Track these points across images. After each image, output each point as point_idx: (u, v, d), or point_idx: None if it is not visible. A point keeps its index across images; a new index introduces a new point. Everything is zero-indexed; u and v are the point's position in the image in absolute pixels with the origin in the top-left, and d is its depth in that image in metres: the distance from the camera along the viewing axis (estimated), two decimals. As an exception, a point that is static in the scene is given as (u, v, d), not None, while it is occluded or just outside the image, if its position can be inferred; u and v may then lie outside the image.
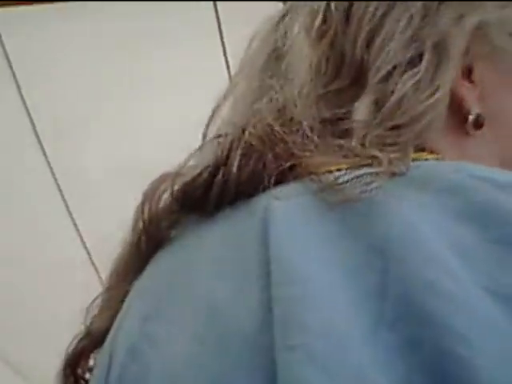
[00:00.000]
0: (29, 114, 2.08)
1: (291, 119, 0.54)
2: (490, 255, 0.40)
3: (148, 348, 0.52)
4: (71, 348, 0.60)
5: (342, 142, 0.53)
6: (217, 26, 2.02)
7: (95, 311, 0.60)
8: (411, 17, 0.56)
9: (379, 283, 0.41)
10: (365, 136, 0.52)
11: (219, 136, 0.57)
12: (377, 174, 0.46)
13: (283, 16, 0.63)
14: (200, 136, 0.60)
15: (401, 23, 0.56)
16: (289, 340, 0.42)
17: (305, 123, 0.53)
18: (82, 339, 0.60)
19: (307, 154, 0.52)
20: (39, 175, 2.01)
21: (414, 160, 0.50)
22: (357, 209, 0.45)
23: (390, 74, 0.55)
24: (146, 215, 0.58)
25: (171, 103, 1.99)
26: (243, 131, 0.55)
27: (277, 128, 0.53)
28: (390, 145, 0.51)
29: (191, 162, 0.57)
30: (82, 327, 0.60)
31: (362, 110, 0.55)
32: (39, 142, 2.05)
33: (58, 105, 2.06)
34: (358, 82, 0.56)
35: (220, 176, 0.53)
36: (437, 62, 0.55)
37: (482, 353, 0.38)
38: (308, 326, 0.42)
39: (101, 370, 0.55)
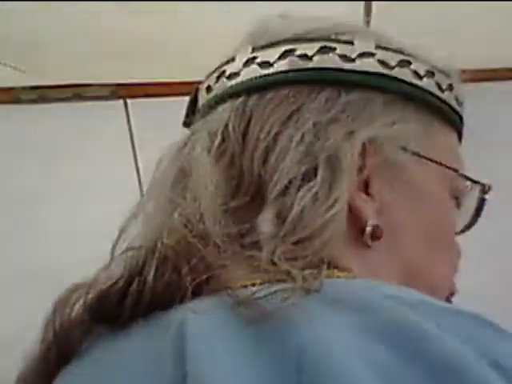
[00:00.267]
0: None
1: (201, 233, 0.55)
2: (406, 373, 0.40)
3: None
4: None
5: (252, 253, 0.53)
6: (129, 136, 2.03)
7: None
8: (303, 134, 0.59)
9: None
10: (274, 250, 0.53)
11: (132, 248, 0.57)
12: (292, 290, 0.47)
13: (186, 140, 0.65)
14: (110, 243, 0.60)
15: (294, 140, 0.59)
16: None
17: (215, 236, 0.54)
18: None
19: (222, 266, 0.52)
20: None
21: (326, 277, 0.51)
22: (271, 325, 0.45)
23: (286, 188, 0.57)
24: (57, 325, 0.56)
25: (82, 209, 1.96)
26: (156, 243, 0.55)
27: (191, 240, 0.53)
28: (297, 259, 0.52)
29: (105, 273, 0.56)
30: None
31: (265, 223, 0.56)
32: None
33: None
34: (257, 197, 0.58)
35: (135, 286, 0.53)
36: (331, 175, 0.57)
37: None
38: None
39: None
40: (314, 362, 0.41)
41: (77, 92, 2.04)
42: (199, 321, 0.48)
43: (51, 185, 2.02)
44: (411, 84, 0.64)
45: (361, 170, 0.60)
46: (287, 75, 0.63)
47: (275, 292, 0.47)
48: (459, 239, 0.70)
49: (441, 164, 0.65)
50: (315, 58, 0.63)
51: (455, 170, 0.67)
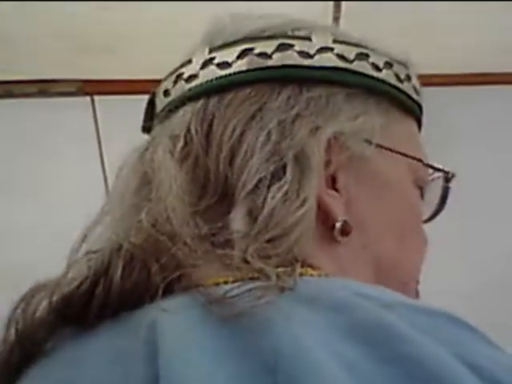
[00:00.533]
0: None
1: (170, 233, 0.54)
2: (381, 374, 0.40)
3: None
4: None
5: (225, 252, 0.53)
6: (95, 133, 2.01)
7: None
8: (269, 133, 0.59)
9: None
10: (246, 248, 0.52)
11: (95, 251, 0.56)
12: (266, 288, 0.46)
13: (147, 146, 0.65)
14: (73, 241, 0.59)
15: (259, 140, 0.59)
16: None
17: (184, 236, 0.53)
18: None
19: (193, 264, 0.52)
20: None
21: (300, 275, 0.51)
22: (246, 324, 0.44)
23: (256, 187, 0.57)
24: (20, 326, 0.54)
25: (46, 206, 1.94)
26: (121, 244, 0.54)
27: (160, 238, 0.53)
28: (270, 257, 0.52)
29: (69, 275, 0.55)
30: None
31: (238, 220, 0.56)
32: None
33: None
34: (226, 198, 0.58)
35: (101, 287, 0.52)
36: (300, 172, 0.57)
37: None
38: None
39: None
40: (290, 362, 0.41)
41: (42, 88, 2.01)
42: (171, 320, 0.48)
43: (15, 181, 2.00)
44: (371, 76, 0.64)
45: (327, 165, 0.61)
46: (247, 75, 0.63)
47: (249, 290, 0.47)
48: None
49: (405, 155, 0.66)
50: (274, 56, 0.63)
51: (419, 160, 0.68)
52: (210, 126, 0.61)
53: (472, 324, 0.46)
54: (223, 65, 0.63)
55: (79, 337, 0.53)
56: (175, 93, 0.66)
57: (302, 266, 0.54)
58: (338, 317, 0.44)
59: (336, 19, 1.64)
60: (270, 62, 0.62)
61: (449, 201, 0.71)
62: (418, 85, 0.70)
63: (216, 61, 0.64)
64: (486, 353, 0.44)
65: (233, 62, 0.63)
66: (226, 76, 0.63)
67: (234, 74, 0.63)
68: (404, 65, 0.68)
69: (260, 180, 0.57)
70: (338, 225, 0.60)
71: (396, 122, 0.67)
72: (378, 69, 0.65)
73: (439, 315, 0.46)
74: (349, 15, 1.66)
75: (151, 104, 0.70)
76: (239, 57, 0.63)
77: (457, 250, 1.71)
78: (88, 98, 2.04)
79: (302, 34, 0.65)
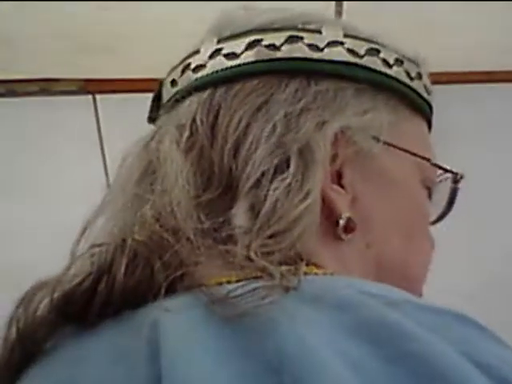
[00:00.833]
0: None
1: (173, 228, 0.53)
2: (387, 372, 0.39)
3: None
4: None
5: (227, 248, 0.52)
6: (96, 132, 2.01)
7: None
8: (274, 125, 0.58)
9: None
10: (249, 244, 0.52)
11: (98, 245, 0.55)
12: (271, 287, 0.46)
13: (153, 135, 0.64)
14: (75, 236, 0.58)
15: (264, 132, 0.58)
16: None
17: (188, 231, 0.53)
18: None
19: (196, 262, 0.51)
20: None
21: (304, 274, 0.50)
22: (250, 324, 0.43)
23: (259, 180, 0.56)
24: (21, 324, 0.54)
25: (48, 205, 1.94)
26: (125, 240, 0.53)
27: (165, 235, 0.52)
28: (273, 253, 0.51)
29: (71, 271, 0.55)
30: None
31: (240, 215, 0.55)
32: None
33: None
34: (230, 190, 0.57)
35: (103, 284, 0.51)
36: (304, 166, 0.57)
37: None
38: None
39: None
40: (295, 363, 0.40)
41: (44, 86, 2.01)
42: (173, 320, 0.47)
43: (15, 181, 1.99)
44: (381, 73, 0.64)
45: (333, 160, 0.60)
46: (255, 66, 0.62)
47: (253, 290, 0.46)
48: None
49: (412, 153, 0.65)
50: (283, 48, 0.62)
51: (427, 159, 0.67)
52: (216, 116, 0.60)
53: (480, 323, 0.46)
54: (231, 55, 0.63)
55: (80, 335, 0.52)
56: (182, 83, 0.65)
57: (307, 265, 0.53)
58: (343, 315, 0.44)
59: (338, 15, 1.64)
60: (278, 54, 0.62)
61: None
62: (429, 84, 0.69)
63: (224, 51, 0.63)
64: (495, 351, 0.43)
65: (241, 53, 0.62)
66: (233, 67, 0.62)
67: (242, 64, 0.62)
68: (415, 63, 0.67)
69: (263, 173, 0.57)
70: (341, 222, 0.59)
71: (405, 120, 0.66)
72: (388, 65, 0.64)
73: (446, 313, 0.46)
74: (350, 14, 1.66)
75: (158, 95, 0.69)
76: (247, 48, 0.62)
77: (457, 250, 1.70)
78: (90, 97, 2.04)
79: (312, 27, 0.64)
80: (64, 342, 0.54)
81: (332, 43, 0.63)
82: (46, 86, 2.01)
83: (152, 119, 0.69)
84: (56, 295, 0.53)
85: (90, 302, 0.51)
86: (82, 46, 1.80)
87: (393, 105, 0.65)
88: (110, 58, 1.86)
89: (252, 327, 0.44)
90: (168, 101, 0.67)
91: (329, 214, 0.59)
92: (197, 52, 0.65)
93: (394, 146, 0.64)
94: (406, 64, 0.66)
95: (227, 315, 0.45)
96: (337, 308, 0.44)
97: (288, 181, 0.56)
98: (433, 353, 0.40)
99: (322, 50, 0.62)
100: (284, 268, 0.49)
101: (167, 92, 0.68)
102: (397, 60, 0.65)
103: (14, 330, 0.54)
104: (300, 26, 0.64)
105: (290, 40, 0.62)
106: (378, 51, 0.64)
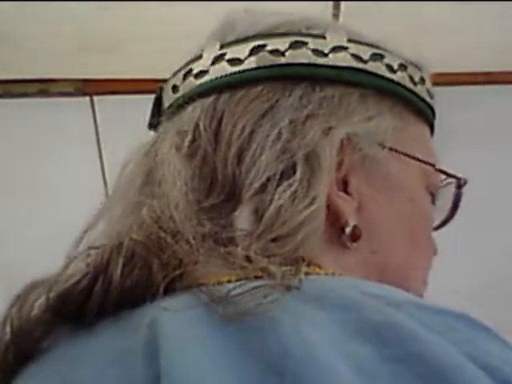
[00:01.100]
0: None
1: (172, 230, 0.53)
2: (391, 373, 0.39)
3: None
4: None
5: (227, 249, 0.52)
6: (94, 133, 2.01)
7: None
8: (280, 131, 0.58)
9: None
10: (250, 246, 0.51)
11: (95, 247, 0.55)
12: (272, 286, 0.45)
13: (154, 142, 0.63)
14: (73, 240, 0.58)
15: (270, 138, 0.57)
16: None
17: (187, 234, 0.53)
18: None
19: (195, 262, 0.51)
20: None
21: (306, 274, 0.50)
22: (251, 323, 0.43)
23: (264, 186, 0.56)
24: (15, 324, 0.53)
25: (46, 207, 1.94)
26: (122, 241, 0.52)
27: (163, 235, 0.52)
28: (274, 256, 0.51)
29: (68, 271, 0.54)
30: None
31: (243, 219, 0.55)
32: None
33: None
34: (233, 197, 0.57)
35: (99, 284, 0.50)
36: (310, 172, 0.56)
37: None
38: None
39: None
40: (298, 364, 0.40)
41: (42, 87, 2.01)
42: (172, 319, 0.47)
43: (14, 181, 1.99)
44: (385, 78, 0.63)
45: (339, 167, 0.59)
46: (259, 72, 0.61)
47: (254, 288, 0.46)
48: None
49: (417, 159, 0.65)
50: (287, 53, 0.61)
51: (432, 165, 0.66)
52: (220, 123, 0.60)
53: (484, 323, 0.45)
54: (235, 61, 0.62)
55: (77, 336, 0.52)
56: (184, 89, 0.65)
57: (308, 265, 0.53)
58: (346, 315, 0.43)
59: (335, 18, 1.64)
60: (282, 60, 0.61)
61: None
62: (431, 88, 0.69)
63: (227, 57, 0.63)
64: (499, 353, 0.43)
65: (245, 59, 0.62)
66: (237, 73, 0.62)
67: (246, 70, 0.62)
68: (418, 67, 0.67)
69: (268, 179, 0.56)
70: (347, 230, 0.58)
71: (409, 126, 0.66)
72: (392, 70, 0.64)
73: (448, 314, 0.45)
74: (348, 15, 1.66)
75: (159, 100, 0.69)
76: (251, 53, 0.62)
77: (458, 250, 1.70)
78: (87, 98, 2.04)
79: (316, 32, 0.63)
80: (60, 342, 0.53)
81: (336, 48, 0.62)
82: (44, 87, 2.01)
83: (153, 125, 0.68)
84: (52, 295, 0.52)
85: (87, 302, 0.51)
86: (82, 46, 1.79)
87: (397, 110, 0.64)
88: (110, 57, 1.86)
89: (253, 326, 0.43)
90: (169, 107, 0.66)
91: (334, 221, 0.59)
92: (199, 57, 0.65)
93: (399, 152, 0.63)
94: (410, 69, 0.66)
95: (228, 314, 0.44)
96: (339, 308, 0.44)
97: (294, 186, 0.55)
98: (437, 353, 0.40)
99: (326, 55, 0.62)
100: (285, 268, 0.49)
101: (168, 98, 0.67)
102: (401, 65, 0.65)
103: (8, 329, 0.54)
104: (304, 31, 0.63)
105: (295, 45, 0.62)
106: (382, 56, 0.64)
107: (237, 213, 0.56)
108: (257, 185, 0.56)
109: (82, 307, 0.51)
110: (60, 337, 0.54)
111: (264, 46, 0.62)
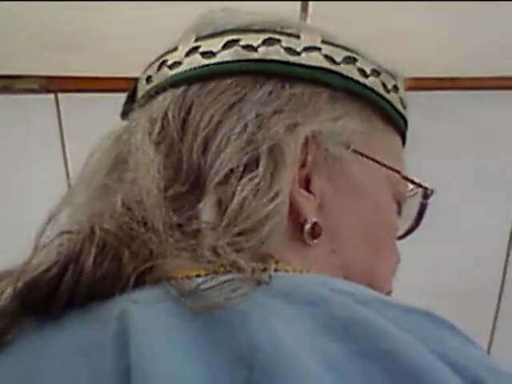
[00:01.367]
0: None
1: (143, 218, 0.53)
2: (359, 369, 0.39)
3: None
4: None
5: (195, 242, 0.52)
6: (59, 134, 1.99)
7: None
8: (246, 124, 0.58)
9: None
10: (217, 240, 0.51)
11: (67, 232, 0.54)
12: (242, 281, 0.45)
13: (125, 128, 0.64)
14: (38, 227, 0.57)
15: (235, 130, 0.58)
16: None
17: (156, 222, 0.52)
18: None
19: (164, 255, 0.51)
20: None
21: (275, 270, 0.50)
22: (221, 316, 0.43)
23: (228, 177, 0.56)
24: None
25: (5, 206, 1.92)
26: (93, 229, 0.52)
27: (134, 225, 0.52)
28: (243, 250, 0.51)
29: (37, 259, 0.54)
30: None
31: (207, 210, 0.55)
32: None
33: None
34: (198, 186, 0.57)
35: (70, 274, 0.50)
36: (273, 166, 0.57)
37: None
38: None
39: None
40: (267, 358, 0.40)
41: (6, 84, 1.98)
42: (142, 312, 0.46)
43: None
44: (357, 81, 0.64)
45: (302, 165, 0.60)
46: (231, 65, 0.62)
47: (224, 282, 0.46)
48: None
49: (383, 164, 0.65)
50: (260, 49, 0.62)
51: (397, 172, 0.67)
52: (188, 112, 0.60)
53: (450, 322, 0.46)
54: (208, 54, 0.63)
55: (43, 328, 0.51)
56: (158, 79, 0.65)
57: (277, 262, 0.53)
58: (315, 311, 0.43)
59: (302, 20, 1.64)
60: (255, 55, 0.62)
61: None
62: (405, 97, 0.69)
63: (201, 49, 0.63)
64: (466, 351, 0.43)
65: (217, 52, 0.63)
66: (209, 65, 0.62)
67: (218, 63, 0.62)
68: (392, 75, 0.68)
69: (232, 170, 0.57)
70: (307, 226, 0.59)
71: (378, 131, 0.66)
72: (364, 75, 0.64)
73: (415, 312, 0.46)
74: (316, 17, 1.67)
75: (133, 90, 0.69)
76: (224, 47, 0.63)
77: (421, 250, 1.73)
78: (52, 96, 2.02)
79: (290, 31, 0.64)
80: (26, 334, 0.52)
81: (309, 48, 0.63)
82: (8, 84, 1.98)
83: (125, 114, 0.69)
84: (19, 284, 0.52)
85: (55, 292, 0.50)
86: (48, 44, 1.77)
87: (366, 114, 0.65)
88: (77, 56, 1.85)
89: (223, 320, 0.43)
90: (142, 96, 0.67)
91: (295, 217, 0.59)
92: (174, 49, 0.65)
93: (364, 156, 0.64)
94: (383, 76, 0.66)
95: (197, 308, 0.44)
96: (308, 304, 0.44)
97: (257, 180, 0.56)
98: (406, 351, 0.40)
99: (298, 54, 0.62)
100: (254, 264, 0.49)
101: (142, 88, 0.68)
102: (374, 71, 0.65)
103: None
104: (279, 30, 0.64)
105: (268, 42, 0.62)
106: (355, 60, 0.64)
107: (201, 204, 0.56)
108: (220, 175, 0.57)
109: (50, 296, 0.50)
110: (25, 329, 0.53)
111: (238, 40, 0.63)
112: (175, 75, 0.63)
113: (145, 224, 0.52)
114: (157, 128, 0.60)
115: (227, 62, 0.62)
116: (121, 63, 1.66)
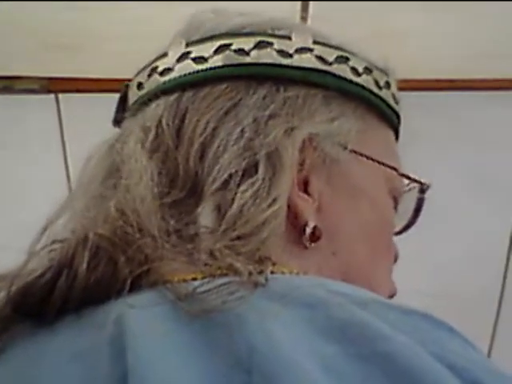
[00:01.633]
0: None
1: (138, 225, 0.53)
2: (357, 371, 0.39)
3: None
4: None
5: (192, 246, 0.52)
6: (59, 135, 1.99)
7: None
8: (243, 129, 0.58)
9: None
10: (214, 244, 0.51)
11: (59, 240, 0.54)
12: (239, 284, 0.45)
13: (118, 137, 0.63)
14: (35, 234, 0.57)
15: (233, 136, 0.58)
16: None
17: (152, 229, 0.52)
18: None
19: (160, 258, 0.50)
20: None
21: (271, 273, 0.50)
22: (218, 320, 0.43)
23: (226, 183, 0.56)
24: None
25: (8, 208, 1.91)
26: (87, 235, 0.51)
27: (129, 230, 0.51)
28: (239, 254, 0.51)
29: (31, 265, 0.53)
30: None
31: (205, 216, 0.55)
32: None
33: None
34: (195, 193, 0.57)
35: (64, 279, 0.49)
36: (272, 172, 0.56)
37: None
38: None
39: None
40: (265, 361, 0.39)
41: (7, 84, 1.98)
42: (139, 316, 0.46)
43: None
44: (350, 80, 0.64)
45: (300, 167, 0.60)
46: (223, 70, 0.62)
47: (220, 286, 0.46)
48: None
49: (380, 162, 0.65)
50: (252, 53, 0.62)
51: (394, 169, 0.67)
52: (183, 119, 0.60)
53: (449, 324, 0.45)
54: (199, 59, 0.62)
55: (37, 333, 0.51)
56: (149, 86, 0.65)
57: (273, 265, 0.53)
58: (312, 313, 0.43)
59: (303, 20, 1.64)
60: (247, 59, 0.62)
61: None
62: (397, 93, 0.69)
63: (192, 55, 0.63)
64: (465, 353, 0.43)
65: (209, 57, 0.62)
66: (201, 71, 0.62)
67: (210, 69, 0.62)
68: (384, 72, 0.68)
69: (230, 176, 0.57)
70: (307, 230, 0.59)
71: (373, 129, 0.66)
72: (357, 73, 0.64)
73: (413, 313, 0.45)
74: (316, 17, 1.67)
75: (124, 97, 0.69)
76: (216, 52, 0.62)
77: (420, 251, 1.72)
78: (52, 96, 2.02)
79: (281, 32, 0.64)
80: (19, 339, 0.52)
81: (301, 49, 0.63)
82: (9, 84, 1.98)
83: (117, 122, 0.68)
84: (13, 288, 0.51)
85: (49, 297, 0.50)
86: (49, 44, 1.77)
87: (361, 113, 0.65)
88: (77, 56, 1.84)
89: (220, 323, 0.43)
90: (134, 103, 0.66)
91: (294, 221, 0.59)
92: (164, 55, 0.65)
93: (362, 155, 0.64)
94: (375, 73, 0.66)
95: (194, 311, 0.44)
96: (305, 306, 0.44)
97: (256, 185, 0.56)
98: (404, 353, 0.40)
99: (291, 56, 0.62)
100: (251, 266, 0.49)
101: (133, 95, 0.67)
102: (366, 68, 0.65)
103: None
104: (270, 32, 0.64)
105: (260, 45, 0.62)
106: (348, 59, 0.64)
107: (199, 209, 0.56)
108: (219, 181, 0.56)
109: (43, 302, 0.50)
110: (20, 334, 0.52)
111: (229, 45, 0.62)
112: (167, 82, 0.63)
113: (140, 230, 0.52)
114: (151, 136, 0.60)
115: (219, 67, 0.62)
116: (121, 63, 1.66)
